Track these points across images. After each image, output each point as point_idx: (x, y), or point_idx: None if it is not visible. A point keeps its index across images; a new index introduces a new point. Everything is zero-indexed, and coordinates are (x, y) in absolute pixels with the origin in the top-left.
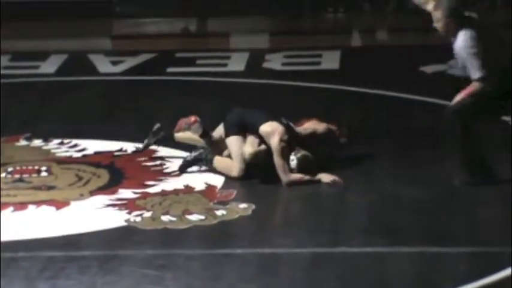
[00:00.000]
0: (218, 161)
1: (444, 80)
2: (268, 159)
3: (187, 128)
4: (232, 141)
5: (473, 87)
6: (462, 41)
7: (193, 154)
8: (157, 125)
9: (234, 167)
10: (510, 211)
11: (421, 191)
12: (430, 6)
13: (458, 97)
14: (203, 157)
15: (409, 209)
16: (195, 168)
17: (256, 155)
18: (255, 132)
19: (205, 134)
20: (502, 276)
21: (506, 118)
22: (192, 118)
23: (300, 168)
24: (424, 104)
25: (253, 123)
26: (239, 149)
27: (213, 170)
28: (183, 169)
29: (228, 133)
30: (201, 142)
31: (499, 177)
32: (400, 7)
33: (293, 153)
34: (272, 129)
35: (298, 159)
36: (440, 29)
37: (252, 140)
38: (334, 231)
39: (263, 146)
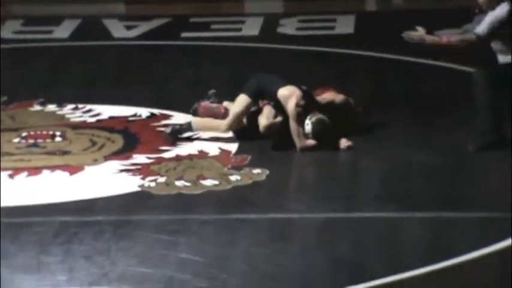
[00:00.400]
0: (199, 122)
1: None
2: (284, 130)
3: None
4: (240, 100)
5: (466, 37)
6: (498, 9)
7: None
8: (212, 91)
9: (224, 122)
10: None
11: (435, 157)
12: None
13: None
14: (177, 128)
15: (422, 174)
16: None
17: (270, 127)
18: (273, 97)
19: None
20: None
21: None
22: (223, 109)
23: (315, 133)
24: (439, 68)
25: (271, 88)
26: (240, 107)
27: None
28: (172, 135)
29: (242, 91)
30: (219, 130)
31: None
32: None
33: (308, 118)
34: (290, 93)
35: (313, 124)
36: (484, 3)
37: (267, 111)
38: (347, 196)
39: (279, 118)
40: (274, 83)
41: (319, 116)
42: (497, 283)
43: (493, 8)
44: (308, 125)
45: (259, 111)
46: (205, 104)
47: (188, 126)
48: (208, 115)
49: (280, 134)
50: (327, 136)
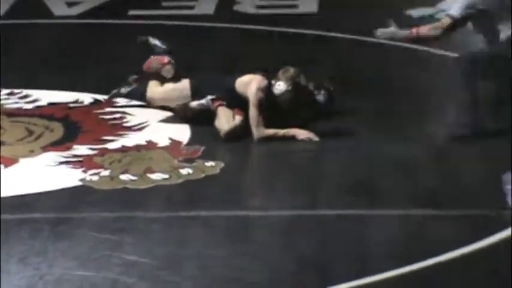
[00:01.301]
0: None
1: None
2: (247, 130)
3: (159, 68)
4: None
5: (436, 25)
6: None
7: (127, 89)
8: (133, 76)
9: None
10: (496, 172)
11: (408, 149)
12: None
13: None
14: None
15: (393, 168)
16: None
17: (232, 132)
18: (230, 92)
19: (177, 78)
20: (490, 241)
21: None
22: (166, 59)
23: (293, 90)
24: (409, 51)
25: (226, 84)
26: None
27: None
28: (112, 97)
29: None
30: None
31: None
32: None
33: (278, 78)
34: (249, 78)
35: (286, 91)
36: None
37: (225, 113)
38: (311, 192)
39: (238, 118)
40: (228, 79)
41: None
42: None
43: None
44: (280, 85)
45: (212, 114)
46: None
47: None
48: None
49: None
50: (291, 111)
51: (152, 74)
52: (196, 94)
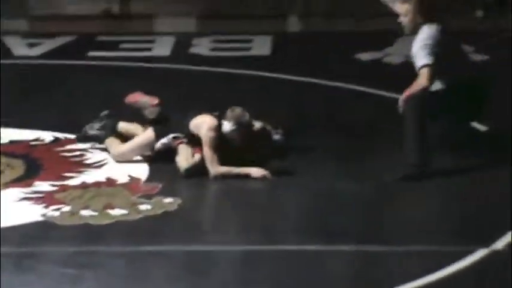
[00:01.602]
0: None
1: (379, 68)
2: (205, 167)
3: (146, 106)
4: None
5: (420, 77)
6: (423, 33)
7: (99, 124)
8: (105, 112)
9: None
10: (443, 208)
11: (358, 187)
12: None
13: (411, 90)
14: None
15: (345, 205)
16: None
17: (191, 170)
18: (186, 131)
19: (159, 121)
20: (439, 276)
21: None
22: (156, 100)
23: (238, 129)
24: (359, 93)
25: (183, 122)
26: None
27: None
28: (80, 140)
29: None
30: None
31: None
32: None
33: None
34: (202, 120)
35: (234, 130)
36: (407, 22)
37: (184, 151)
38: (266, 228)
39: (197, 156)
40: (187, 118)
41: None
42: None
43: (416, 32)
44: (225, 125)
45: (173, 151)
46: None
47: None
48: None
49: (203, 171)
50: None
51: (133, 109)
52: (160, 136)
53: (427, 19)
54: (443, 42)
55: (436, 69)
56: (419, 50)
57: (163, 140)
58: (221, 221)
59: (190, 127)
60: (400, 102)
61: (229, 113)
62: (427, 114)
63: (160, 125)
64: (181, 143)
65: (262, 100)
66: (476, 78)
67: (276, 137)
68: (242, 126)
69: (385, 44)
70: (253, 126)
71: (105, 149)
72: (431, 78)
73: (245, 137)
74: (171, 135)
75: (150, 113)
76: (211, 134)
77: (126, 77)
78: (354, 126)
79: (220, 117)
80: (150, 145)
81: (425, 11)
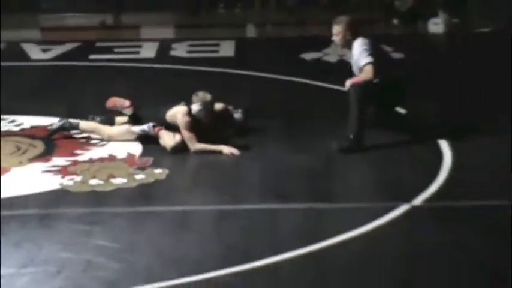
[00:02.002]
0: (87, 124)
1: (320, 65)
2: (185, 145)
3: (119, 109)
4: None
5: (365, 71)
6: (357, 45)
7: (59, 123)
8: (100, 117)
9: (109, 132)
10: (373, 174)
11: (307, 158)
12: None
13: (355, 80)
14: (67, 126)
15: (296, 172)
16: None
17: (177, 147)
18: (164, 121)
19: (134, 119)
20: (371, 227)
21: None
22: (127, 102)
23: (204, 108)
24: (304, 85)
25: (160, 115)
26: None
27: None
28: (49, 136)
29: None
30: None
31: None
32: (281, 5)
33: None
34: (176, 110)
35: (199, 99)
36: (339, 40)
37: (167, 134)
38: (234, 192)
39: (178, 136)
40: (161, 111)
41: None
42: (360, 262)
43: (349, 45)
44: (194, 107)
45: (154, 138)
46: None
47: (76, 125)
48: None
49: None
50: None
51: (114, 111)
52: (138, 123)
53: (355, 36)
54: (374, 46)
55: (378, 66)
56: (360, 54)
57: (144, 127)
58: (199, 186)
59: (167, 117)
60: (347, 87)
61: (194, 97)
62: (366, 101)
63: (135, 120)
64: (160, 130)
65: (228, 91)
66: (398, 74)
67: (237, 115)
68: (206, 105)
69: (324, 46)
70: (215, 106)
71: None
72: (374, 73)
73: (209, 114)
74: (151, 124)
75: (128, 111)
76: (186, 118)
77: (119, 75)
78: (301, 111)
79: (188, 105)
80: (129, 133)
81: (354, 30)
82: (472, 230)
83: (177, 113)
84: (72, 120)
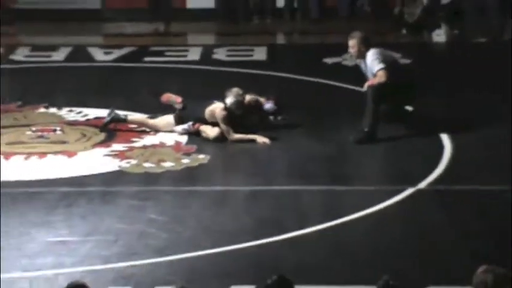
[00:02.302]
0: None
1: (339, 68)
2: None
3: (172, 103)
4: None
5: (378, 76)
6: (370, 55)
7: (109, 117)
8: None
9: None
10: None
11: (326, 148)
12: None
13: (370, 82)
14: (117, 118)
15: (317, 160)
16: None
17: (218, 137)
18: (203, 119)
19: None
20: (381, 206)
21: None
22: (179, 99)
23: (236, 99)
24: (326, 85)
25: (198, 114)
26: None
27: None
28: (104, 126)
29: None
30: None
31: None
32: (306, 16)
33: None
34: (214, 107)
35: (231, 104)
36: (354, 52)
37: (207, 128)
38: (265, 174)
39: (216, 128)
40: (199, 109)
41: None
42: (372, 236)
43: (363, 56)
44: (229, 99)
45: (196, 133)
46: None
47: (124, 118)
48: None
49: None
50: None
51: (167, 105)
52: (181, 122)
53: (368, 48)
54: (384, 55)
55: (388, 71)
56: (373, 62)
57: (184, 126)
58: (236, 170)
59: (206, 114)
60: (365, 88)
61: (228, 92)
62: (380, 100)
63: (183, 114)
64: (198, 126)
65: (260, 90)
66: (408, 78)
67: (268, 105)
68: (238, 97)
69: (343, 52)
70: (247, 98)
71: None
72: (387, 76)
73: (241, 105)
74: (190, 122)
75: (179, 106)
76: (223, 113)
77: (169, 75)
78: (323, 107)
79: (223, 102)
80: (171, 125)
81: (366, 43)
82: (468, 209)
83: (216, 109)
84: (120, 113)
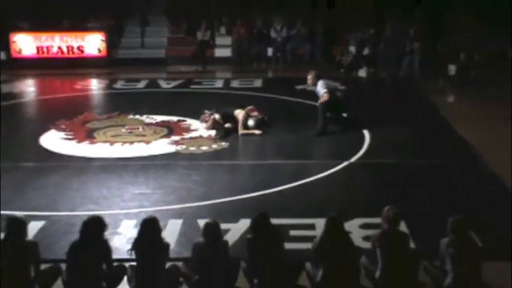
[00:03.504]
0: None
1: (304, 92)
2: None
3: (209, 117)
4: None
5: (323, 96)
6: (319, 84)
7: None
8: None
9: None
10: (328, 146)
11: (295, 138)
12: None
13: (320, 100)
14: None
15: (287, 145)
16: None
17: (229, 128)
18: (234, 117)
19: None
20: (321, 175)
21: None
22: (256, 111)
23: (256, 124)
24: (298, 102)
25: (230, 112)
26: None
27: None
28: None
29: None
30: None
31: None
32: (285, 61)
33: (250, 119)
34: (239, 111)
35: (254, 121)
36: (310, 82)
37: (238, 125)
38: (260, 154)
39: (229, 124)
40: (230, 110)
41: (257, 118)
42: (317, 196)
43: (315, 84)
44: (250, 121)
45: (227, 130)
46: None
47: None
48: (207, 121)
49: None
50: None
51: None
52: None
53: (318, 79)
54: (328, 83)
55: (329, 93)
56: (320, 88)
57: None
58: (242, 151)
59: (235, 114)
60: (318, 103)
61: (246, 108)
62: (326, 110)
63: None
64: (214, 113)
65: (258, 104)
66: (343, 97)
67: (260, 117)
68: (248, 111)
69: (305, 82)
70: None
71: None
72: (329, 96)
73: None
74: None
75: (254, 116)
76: (242, 118)
77: (204, 96)
78: (295, 113)
79: (246, 111)
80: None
81: (317, 77)
82: (381, 174)
83: (239, 113)
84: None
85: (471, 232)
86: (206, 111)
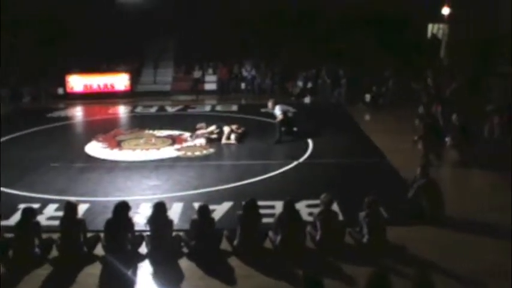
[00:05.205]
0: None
1: (267, 113)
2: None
3: (205, 131)
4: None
5: (279, 116)
6: (277, 107)
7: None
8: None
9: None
10: (283, 149)
11: (262, 145)
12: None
13: (277, 119)
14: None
15: (255, 151)
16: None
17: (215, 137)
18: (222, 128)
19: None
20: (275, 173)
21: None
22: (213, 127)
23: (236, 138)
24: (264, 121)
25: (221, 126)
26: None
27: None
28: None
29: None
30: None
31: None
32: (254, 92)
33: (232, 134)
34: (226, 128)
35: (235, 137)
36: (271, 107)
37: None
38: (236, 156)
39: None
40: (221, 123)
41: (238, 133)
42: (274, 188)
43: (274, 108)
44: (233, 135)
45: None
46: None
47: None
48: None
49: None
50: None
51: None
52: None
53: (275, 104)
54: (283, 107)
55: (284, 114)
56: (277, 110)
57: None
58: (224, 155)
59: (223, 128)
60: (275, 121)
61: (232, 124)
62: (281, 126)
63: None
64: (200, 128)
65: (235, 122)
66: (293, 116)
67: (241, 131)
68: (231, 127)
69: (266, 106)
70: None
71: (196, 137)
72: (283, 116)
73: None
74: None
75: (236, 132)
76: (227, 131)
77: (199, 116)
78: (261, 129)
79: (220, 127)
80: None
81: (275, 103)
82: (322, 170)
83: (226, 129)
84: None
85: (380, 207)
86: (199, 124)
